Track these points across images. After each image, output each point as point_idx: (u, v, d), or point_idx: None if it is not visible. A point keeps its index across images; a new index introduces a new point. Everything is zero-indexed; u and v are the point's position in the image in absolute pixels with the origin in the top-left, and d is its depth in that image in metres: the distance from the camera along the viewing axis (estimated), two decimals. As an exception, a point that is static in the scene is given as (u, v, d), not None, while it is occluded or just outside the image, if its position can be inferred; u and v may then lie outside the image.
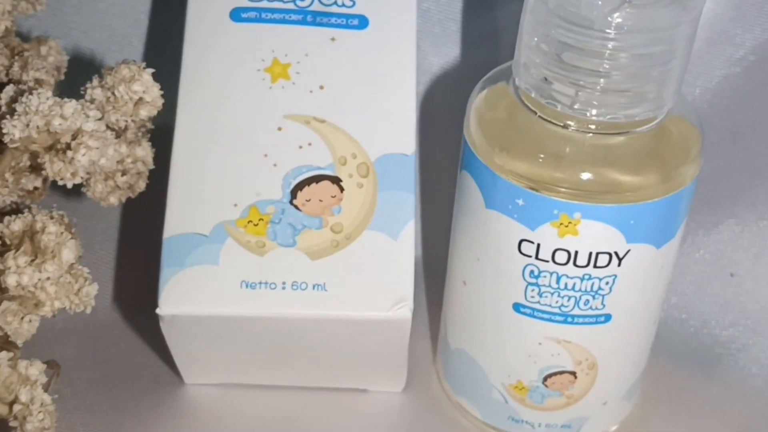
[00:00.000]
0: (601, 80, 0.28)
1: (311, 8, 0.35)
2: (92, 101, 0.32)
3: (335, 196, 0.33)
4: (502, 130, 0.30)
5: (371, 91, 0.34)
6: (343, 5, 0.35)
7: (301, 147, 0.33)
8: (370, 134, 0.33)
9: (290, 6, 0.35)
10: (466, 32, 0.43)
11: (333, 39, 0.34)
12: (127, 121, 0.33)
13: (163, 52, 0.38)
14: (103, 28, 0.44)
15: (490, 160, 0.30)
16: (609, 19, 0.27)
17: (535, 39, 0.28)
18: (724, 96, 0.42)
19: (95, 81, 0.32)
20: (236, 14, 0.35)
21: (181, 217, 0.32)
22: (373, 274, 0.32)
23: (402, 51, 0.34)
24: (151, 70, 0.32)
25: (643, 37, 0.27)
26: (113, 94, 0.32)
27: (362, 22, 0.35)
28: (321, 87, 0.34)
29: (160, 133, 0.36)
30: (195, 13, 0.35)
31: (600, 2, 0.27)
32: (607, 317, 0.31)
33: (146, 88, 0.32)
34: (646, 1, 0.27)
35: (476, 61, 0.43)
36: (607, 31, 0.27)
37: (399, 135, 0.33)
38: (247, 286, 0.32)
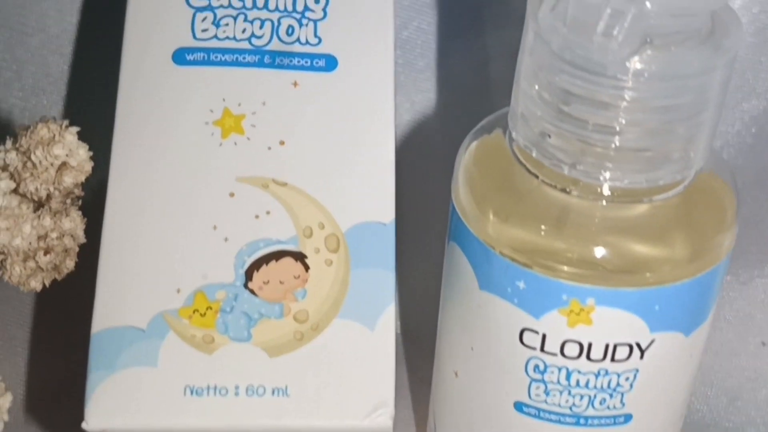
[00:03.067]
0: (616, 138, 0.24)
1: (269, 47, 0.31)
2: (4, 168, 0.28)
3: (299, 277, 0.29)
4: (496, 194, 0.27)
5: (341, 146, 0.30)
6: (307, 43, 0.31)
7: (257, 216, 0.30)
8: (341, 199, 0.30)
9: (244, 45, 0.31)
10: (455, 65, 0.39)
11: (295, 84, 0.31)
12: (49, 189, 0.28)
13: (109, 94, 0.33)
14: (37, 66, 0.39)
15: (482, 230, 0.27)
16: (626, 64, 0.23)
17: (536, 86, 0.25)
18: (749, 134, 0.40)
19: (8, 143, 0.28)
20: (180, 56, 0.31)
21: (112, 306, 0.29)
22: (345, 373, 0.28)
23: (377, 97, 0.31)
24: (75, 129, 0.29)
25: (667, 86, 0.24)
26: (29, 159, 0.27)
27: (330, 63, 0.31)
28: (281, 143, 0.30)
29: (100, 200, 0.31)
30: (132, 55, 0.31)
31: (616, 44, 0.23)
32: (627, 417, 0.28)
33: (69, 150, 0.28)
34: (671, 40, 0.24)
35: (471, 102, 0.39)
36: (623, 78, 0.23)
37: (375, 200, 0.30)
38: (192, 393, 0.28)
